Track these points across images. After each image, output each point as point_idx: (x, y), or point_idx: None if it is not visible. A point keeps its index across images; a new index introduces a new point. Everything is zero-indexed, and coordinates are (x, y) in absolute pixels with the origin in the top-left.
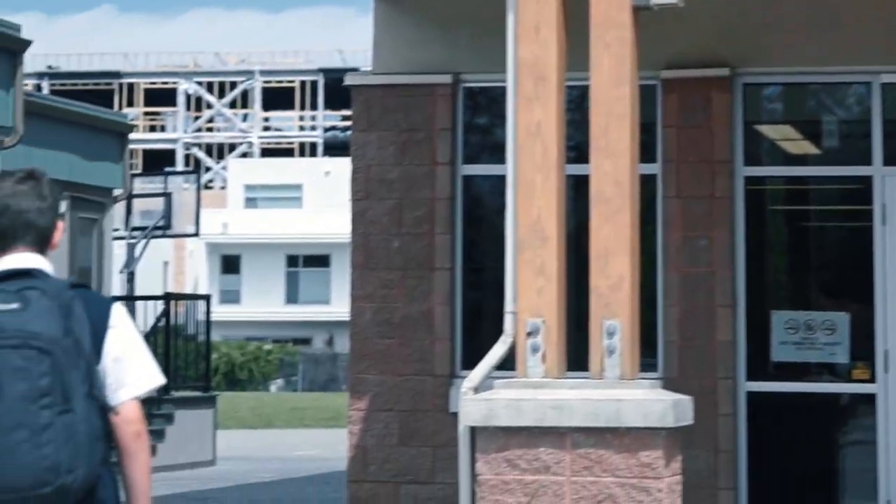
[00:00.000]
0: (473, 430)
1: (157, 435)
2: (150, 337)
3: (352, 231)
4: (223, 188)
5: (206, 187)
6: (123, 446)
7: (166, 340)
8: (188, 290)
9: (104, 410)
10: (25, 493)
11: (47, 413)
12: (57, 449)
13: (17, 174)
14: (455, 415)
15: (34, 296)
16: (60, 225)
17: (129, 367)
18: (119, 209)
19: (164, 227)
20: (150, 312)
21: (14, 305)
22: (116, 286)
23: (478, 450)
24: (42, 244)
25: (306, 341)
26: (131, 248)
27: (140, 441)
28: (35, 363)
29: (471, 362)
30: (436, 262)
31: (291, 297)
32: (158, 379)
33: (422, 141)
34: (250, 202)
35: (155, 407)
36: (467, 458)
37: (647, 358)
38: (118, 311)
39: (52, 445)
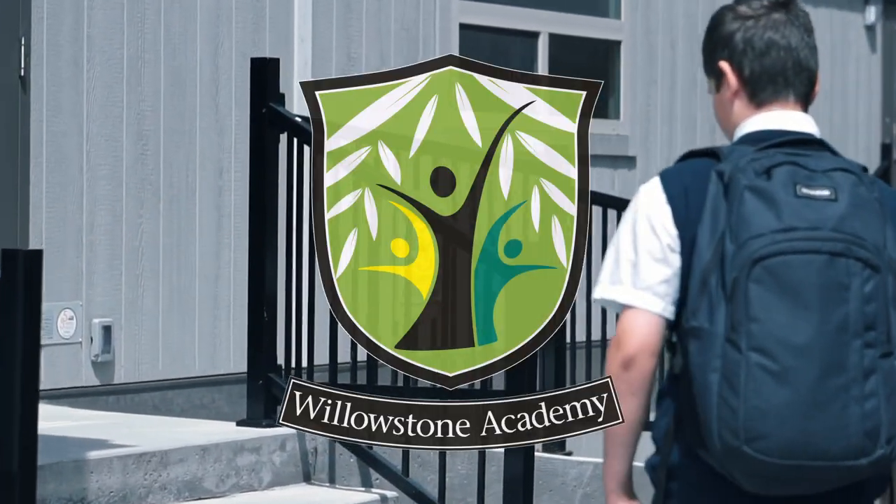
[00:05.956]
0: None
1: None
2: None
3: None
4: None
5: None
6: None
7: None
8: None
9: None
10: (834, 461)
11: (871, 353)
12: (878, 404)
13: (761, 0)
14: None
15: (848, 182)
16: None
17: None
18: None
19: None
20: None
21: (825, 192)
22: None
23: None
24: (808, 96)
25: None
26: None
27: None
28: (860, 280)
29: None
30: None
31: None
32: None
33: None
34: None
35: None
36: None
37: None
38: None
39: (874, 399)
